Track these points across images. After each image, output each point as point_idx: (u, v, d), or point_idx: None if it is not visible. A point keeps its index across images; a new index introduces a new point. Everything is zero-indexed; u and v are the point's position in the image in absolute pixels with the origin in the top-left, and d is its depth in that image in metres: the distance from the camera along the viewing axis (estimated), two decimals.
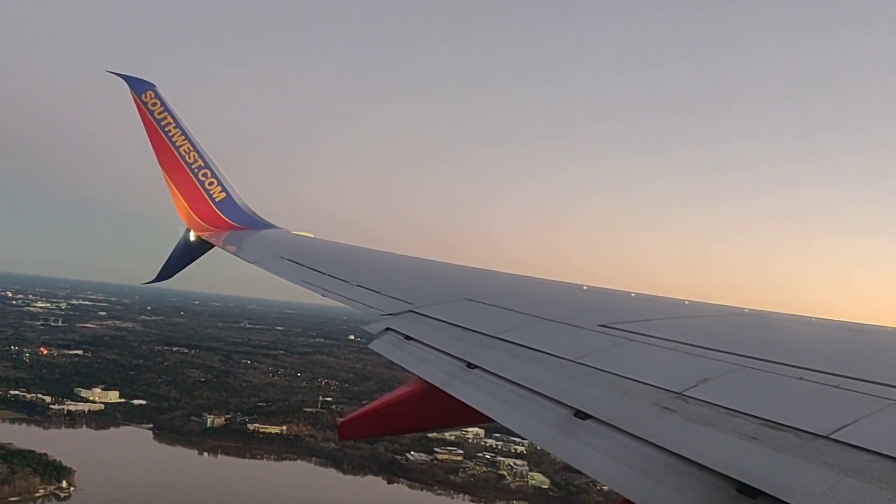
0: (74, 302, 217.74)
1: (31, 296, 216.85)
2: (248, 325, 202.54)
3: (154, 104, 14.91)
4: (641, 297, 7.24)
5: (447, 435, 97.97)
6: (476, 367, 4.58)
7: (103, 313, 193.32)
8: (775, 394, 3.43)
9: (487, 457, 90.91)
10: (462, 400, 4.28)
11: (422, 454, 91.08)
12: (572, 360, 4.25)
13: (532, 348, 4.66)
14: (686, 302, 6.55)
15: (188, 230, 15.06)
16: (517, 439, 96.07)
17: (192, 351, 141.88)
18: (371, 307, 6.87)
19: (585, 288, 7.79)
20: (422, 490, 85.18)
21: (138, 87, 14.95)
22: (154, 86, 15.10)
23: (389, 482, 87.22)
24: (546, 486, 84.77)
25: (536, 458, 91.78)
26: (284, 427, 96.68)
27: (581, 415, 3.50)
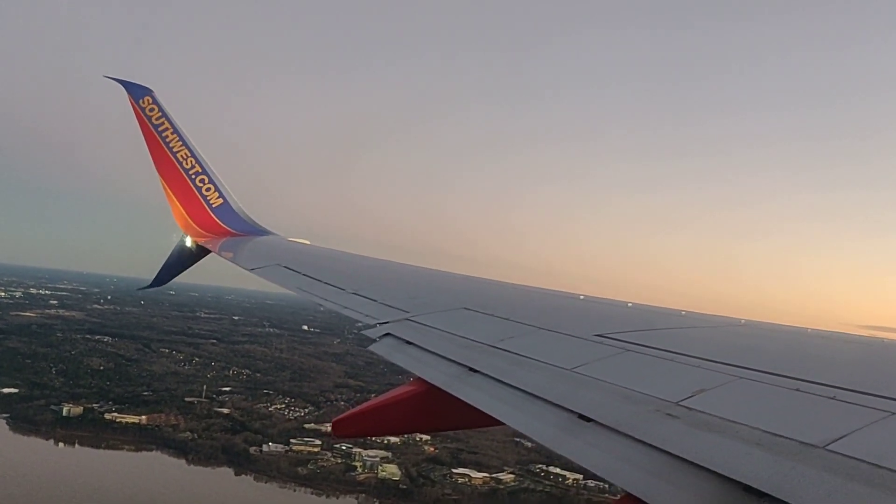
0: (34, 291, 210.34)
1: None
2: (203, 315, 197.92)
3: (152, 109, 14.85)
4: (637, 307, 7.19)
5: (309, 426, 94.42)
6: (477, 371, 4.60)
7: (55, 302, 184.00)
8: (771, 405, 3.41)
9: (344, 448, 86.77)
10: (465, 401, 4.28)
11: (278, 445, 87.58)
12: (569, 370, 4.26)
13: (530, 357, 4.66)
14: (682, 312, 6.52)
15: (184, 236, 14.93)
16: None
17: (113, 339, 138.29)
18: (367, 315, 6.77)
19: (582, 297, 7.81)
20: (266, 483, 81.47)
21: (136, 92, 14.88)
22: (152, 91, 14.97)
23: (237, 474, 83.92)
24: (396, 479, 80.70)
25: (400, 450, 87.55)
26: (144, 417, 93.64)
27: (584, 418, 3.51)
